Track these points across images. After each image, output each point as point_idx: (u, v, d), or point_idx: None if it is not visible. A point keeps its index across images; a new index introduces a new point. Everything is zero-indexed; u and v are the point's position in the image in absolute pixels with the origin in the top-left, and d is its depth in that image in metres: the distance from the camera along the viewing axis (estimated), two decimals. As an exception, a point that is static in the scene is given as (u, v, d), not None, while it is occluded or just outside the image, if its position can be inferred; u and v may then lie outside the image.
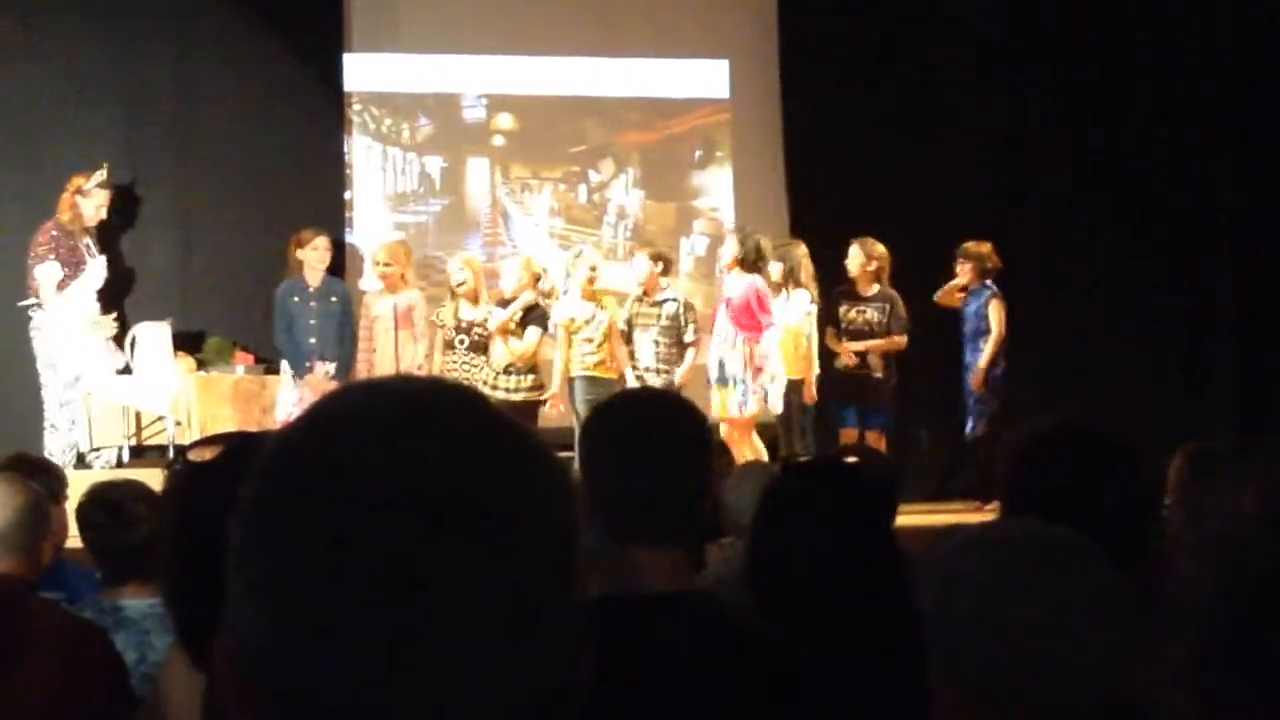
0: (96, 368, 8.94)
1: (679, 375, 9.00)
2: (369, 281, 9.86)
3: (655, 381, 8.84)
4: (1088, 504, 2.08)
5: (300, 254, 9.22)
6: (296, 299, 9.15)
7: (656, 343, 9.10)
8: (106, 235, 9.57)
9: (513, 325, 9.00)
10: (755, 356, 8.86)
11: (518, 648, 0.86)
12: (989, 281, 9.44)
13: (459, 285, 9.13)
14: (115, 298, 9.46)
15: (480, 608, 0.84)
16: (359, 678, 0.83)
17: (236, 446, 1.56)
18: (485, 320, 9.05)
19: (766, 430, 9.23)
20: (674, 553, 2.13)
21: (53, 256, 8.92)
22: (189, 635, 1.48)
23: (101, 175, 9.26)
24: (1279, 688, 0.77)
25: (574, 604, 0.90)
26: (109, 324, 9.10)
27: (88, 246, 9.12)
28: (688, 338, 9.10)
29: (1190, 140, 11.02)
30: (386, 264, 9.22)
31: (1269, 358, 10.72)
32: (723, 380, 8.93)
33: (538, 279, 9.16)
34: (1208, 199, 11.14)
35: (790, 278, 9.25)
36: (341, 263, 9.95)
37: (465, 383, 1.01)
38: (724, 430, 8.86)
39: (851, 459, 3.89)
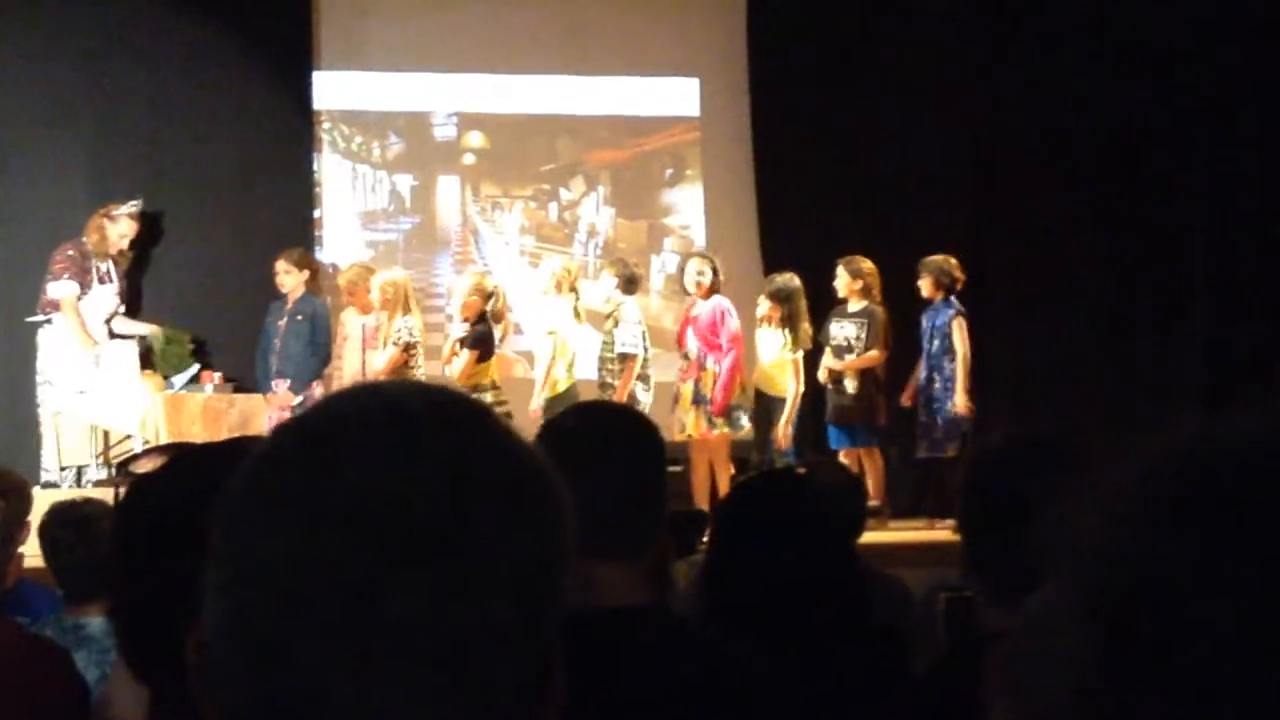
0: (73, 386, 8.91)
1: (618, 391, 8.93)
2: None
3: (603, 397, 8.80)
4: (1028, 514, 2.08)
5: None
6: (271, 318, 9.33)
7: (601, 359, 9.14)
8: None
9: (457, 348, 8.95)
10: (720, 377, 8.91)
11: (478, 680, 0.85)
12: (953, 299, 9.45)
13: (377, 303, 9.15)
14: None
15: (442, 639, 0.84)
16: (312, 695, 0.83)
17: (177, 458, 1.55)
18: (398, 332, 9.00)
19: (741, 448, 9.30)
20: (631, 567, 2.12)
21: (67, 275, 8.97)
22: (131, 647, 1.47)
23: (133, 206, 9.35)
24: None
25: (545, 635, 0.88)
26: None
27: (106, 272, 9.16)
28: (617, 349, 9.05)
29: (1164, 141, 11.05)
30: (346, 290, 9.42)
31: (1239, 364, 10.74)
32: (695, 400, 8.99)
33: (489, 298, 9.09)
34: (1182, 209, 11.17)
35: (781, 317, 9.23)
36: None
37: (473, 397, 0.98)
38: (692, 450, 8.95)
39: (802, 471, 3.88)
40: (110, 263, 9.27)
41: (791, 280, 9.35)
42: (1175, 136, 11.09)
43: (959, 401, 9.29)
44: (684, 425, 9.00)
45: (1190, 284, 11.13)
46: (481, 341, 8.91)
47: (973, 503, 2.20)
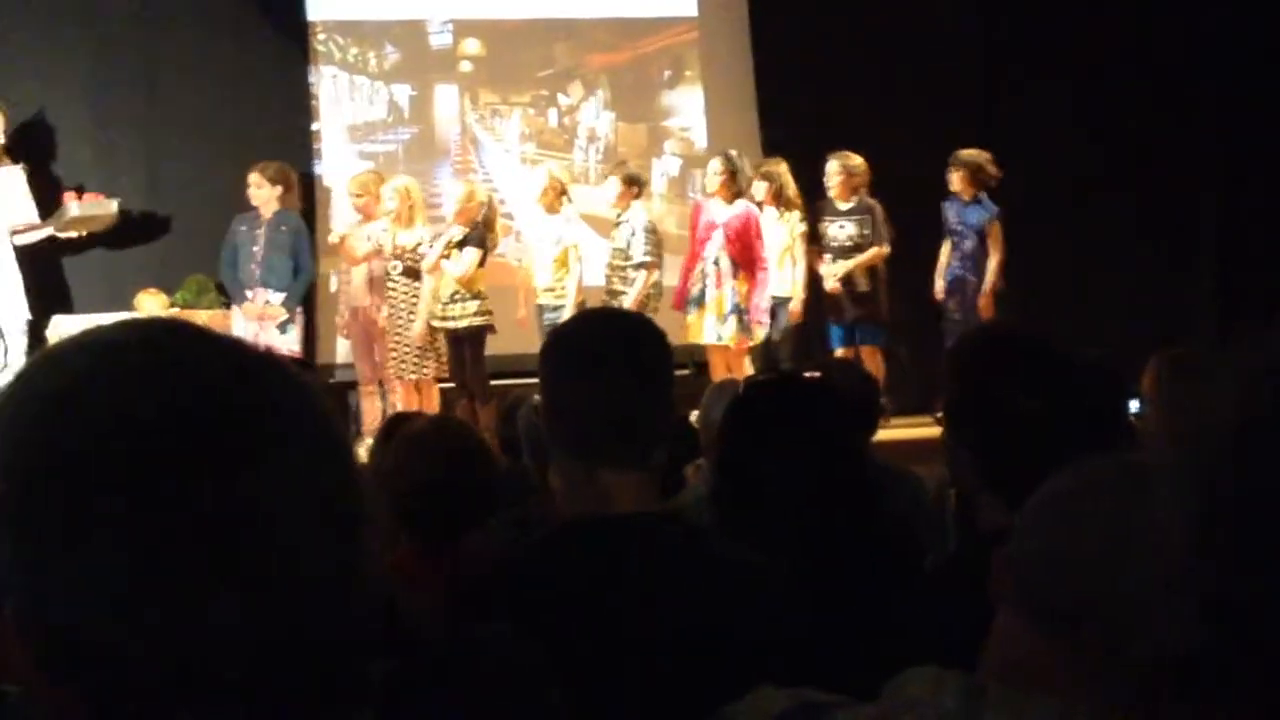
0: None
1: (630, 299, 8.81)
2: (344, 215, 9.83)
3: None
4: (1031, 411, 2.10)
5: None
6: (245, 227, 9.24)
7: (610, 266, 9.05)
8: (75, 171, 9.58)
9: (451, 251, 8.83)
10: (756, 288, 8.87)
11: (310, 568, 0.87)
12: (987, 199, 9.36)
13: (388, 213, 9.02)
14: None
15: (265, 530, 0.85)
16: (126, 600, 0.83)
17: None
18: (418, 245, 8.92)
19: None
20: (639, 474, 2.12)
21: None
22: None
23: None
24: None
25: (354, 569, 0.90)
26: None
27: None
28: (635, 259, 8.97)
29: (1174, 50, 10.92)
30: (357, 195, 9.26)
31: (1249, 276, 10.68)
32: (733, 310, 8.91)
33: (484, 205, 8.94)
34: (1191, 114, 11.06)
35: (778, 198, 9.22)
36: (305, 195, 9.90)
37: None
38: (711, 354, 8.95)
39: (814, 374, 3.87)
40: None
41: (778, 161, 9.40)
42: (1192, 44, 10.93)
43: (982, 304, 9.27)
44: (719, 335, 8.93)
45: (1201, 198, 11.06)
46: (483, 243, 8.81)
47: (953, 392, 2.22)
